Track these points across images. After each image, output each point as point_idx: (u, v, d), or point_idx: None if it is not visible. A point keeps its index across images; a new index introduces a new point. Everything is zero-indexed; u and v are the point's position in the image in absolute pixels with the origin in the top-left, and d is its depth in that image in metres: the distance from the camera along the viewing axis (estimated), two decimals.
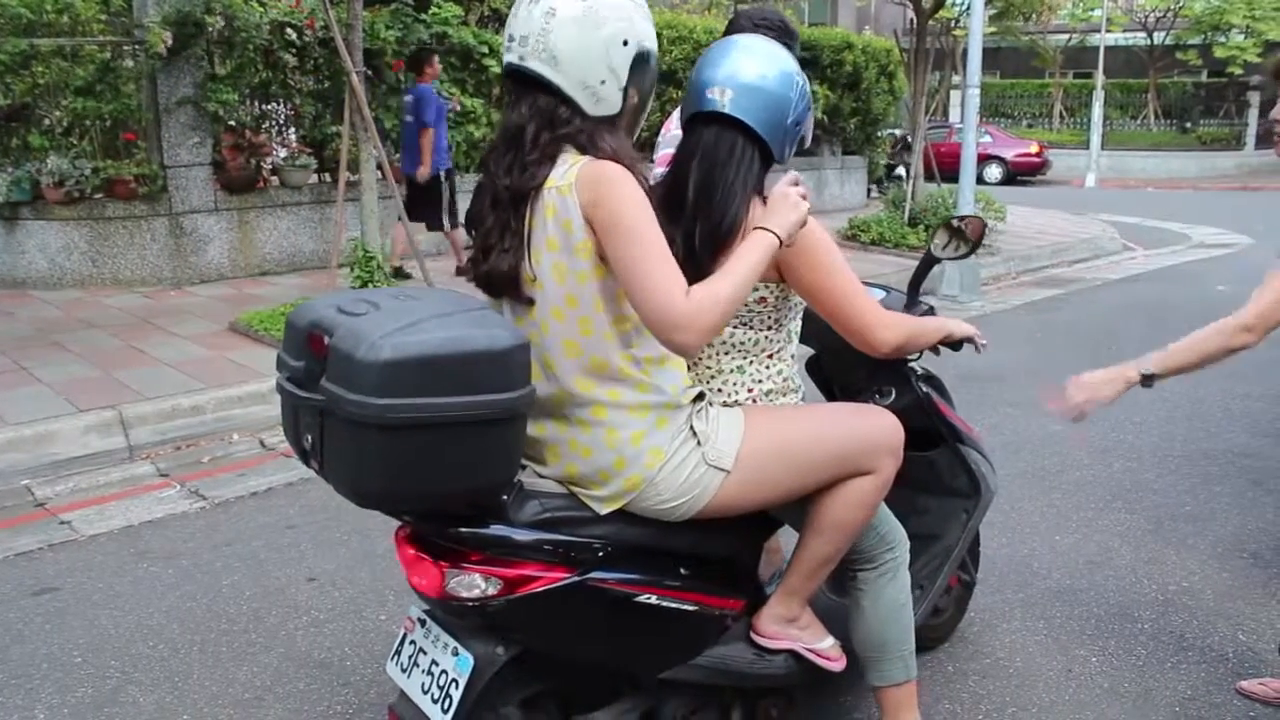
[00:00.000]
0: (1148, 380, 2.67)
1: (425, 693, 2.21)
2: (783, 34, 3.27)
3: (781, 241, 2.16)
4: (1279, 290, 2.56)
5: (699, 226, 2.27)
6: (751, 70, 2.31)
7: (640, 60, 2.13)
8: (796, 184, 2.24)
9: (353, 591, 3.79)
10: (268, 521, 4.46)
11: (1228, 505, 4.56)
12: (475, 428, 1.91)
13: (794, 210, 2.18)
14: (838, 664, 2.57)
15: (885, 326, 2.36)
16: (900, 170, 16.43)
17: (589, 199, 2.03)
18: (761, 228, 2.16)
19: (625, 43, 2.08)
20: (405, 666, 2.30)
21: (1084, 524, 4.36)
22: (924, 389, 2.93)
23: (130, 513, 4.57)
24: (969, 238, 2.98)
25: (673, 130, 3.45)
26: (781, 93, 2.33)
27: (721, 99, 2.30)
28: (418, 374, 1.84)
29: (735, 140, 2.31)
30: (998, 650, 3.36)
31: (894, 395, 2.92)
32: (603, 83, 2.09)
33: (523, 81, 2.12)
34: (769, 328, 2.41)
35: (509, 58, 2.13)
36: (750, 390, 2.43)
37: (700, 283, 2.04)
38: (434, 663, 2.23)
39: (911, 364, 2.96)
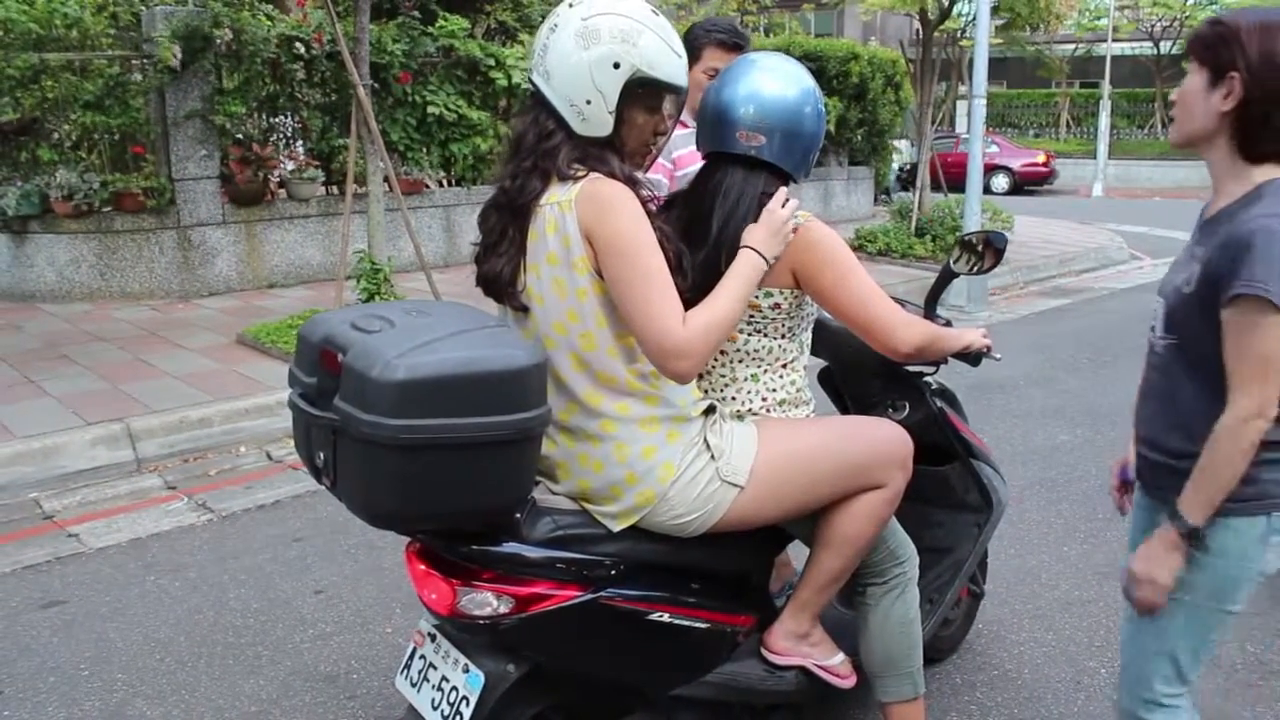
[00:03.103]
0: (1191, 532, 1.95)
1: (435, 708, 2.20)
2: (737, 39, 3.28)
3: (768, 261, 2.18)
4: (1262, 352, 1.83)
5: (724, 257, 2.26)
6: (784, 111, 2.32)
7: (642, 85, 2.09)
8: (786, 202, 2.26)
9: (360, 604, 3.79)
10: (275, 534, 4.46)
11: None
12: (491, 448, 1.89)
13: (780, 231, 2.22)
14: (848, 681, 2.56)
15: (906, 325, 2.32)
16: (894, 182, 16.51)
17: (589, 216, 2.04)
18: (748, 246, 2.18)
19: (616, 65, 2.05)
20: (415, 681, 2.30)
21: (1092, 534, 4.35)
22: (938, 404, 2.91)
23: (138, 525, 4.58)
24: (985, 252, 2.92)
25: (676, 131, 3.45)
26: (813, 129, 2.36)
27: (753, 143, 2.32)
28: (433, 395, 1.81)
29: (763, 179, 2.34)
30: (1005, 661, 3.35)
31: (908, 409, 2.90)
32: (588, 103, 2.07)
33: (535, 93, 2.15)
34: (783, 335, 2.41)
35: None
36: (764, 399, 2.42)
37: (695, 308, 2.06)
38: (444, 679, 2.22)
39: (926, 378, 2.95)
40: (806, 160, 2.40)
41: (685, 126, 3.40)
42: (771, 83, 2.33)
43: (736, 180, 2.34)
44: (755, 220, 2.28)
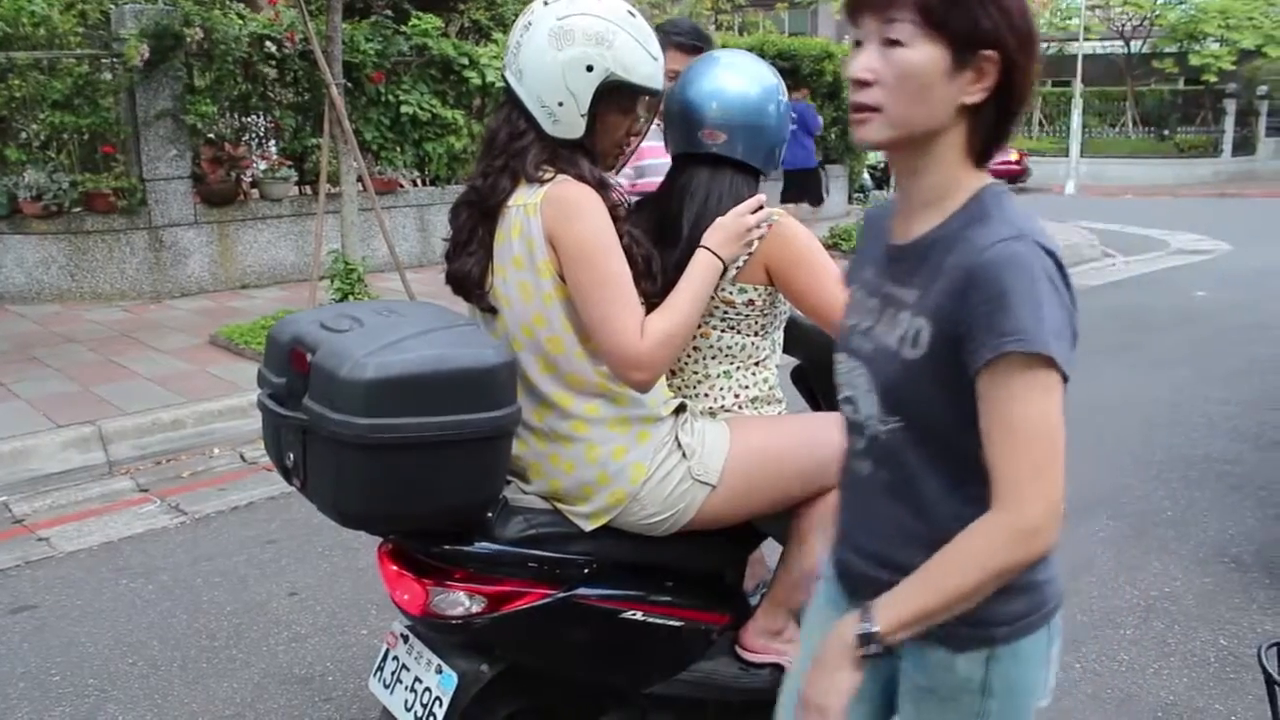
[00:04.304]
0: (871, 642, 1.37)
1: (409, 710, 2.19)
2: (697, 41, 3.29)
3: (725, 263, 2.18)
4: (1040, 428, 1.31)
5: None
6: (744, 106, 2.32)
7: (617, 88, 2.06)
8: (760, 207, 2.24)
9: (334, 606, 3.77)
10: (248, 536, 4.43)
11: (1208, 510, 4.58)
12: (461, 447, 1.89)
13: (741, 236, 2.21)
14: None
15: None
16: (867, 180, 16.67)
17: (553, 220, 2.03)
18: (704, 247, 2.18)
19: (590, 68, 2.02)
20: (388, 683, 2.29)
21: (1065, 530, 4.34)
22: None
23: (109, 529, 4.53)
24: None
25: None
26: (776, 124, 2.36)
27: (716, 142, 2.31)
28: (402, 393, 1.81)
29: (729, 177, 2.34)
30: None
31: None
32: (560, 104, 2.05)
33: (508, 91, 2.14)
34: (756, 333, 2.40)
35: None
36: (737, 396, 2.42)
37: (652, 315, 2.06)
38: (417, 680, 2.21)
39: None
40: (772, 156, 2.39)
41: None
42: (733, 79, 2.33)
43: (703, 180, 2.33)
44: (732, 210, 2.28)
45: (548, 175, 2.07)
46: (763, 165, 2.36)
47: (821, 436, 2.41)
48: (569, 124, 2.08)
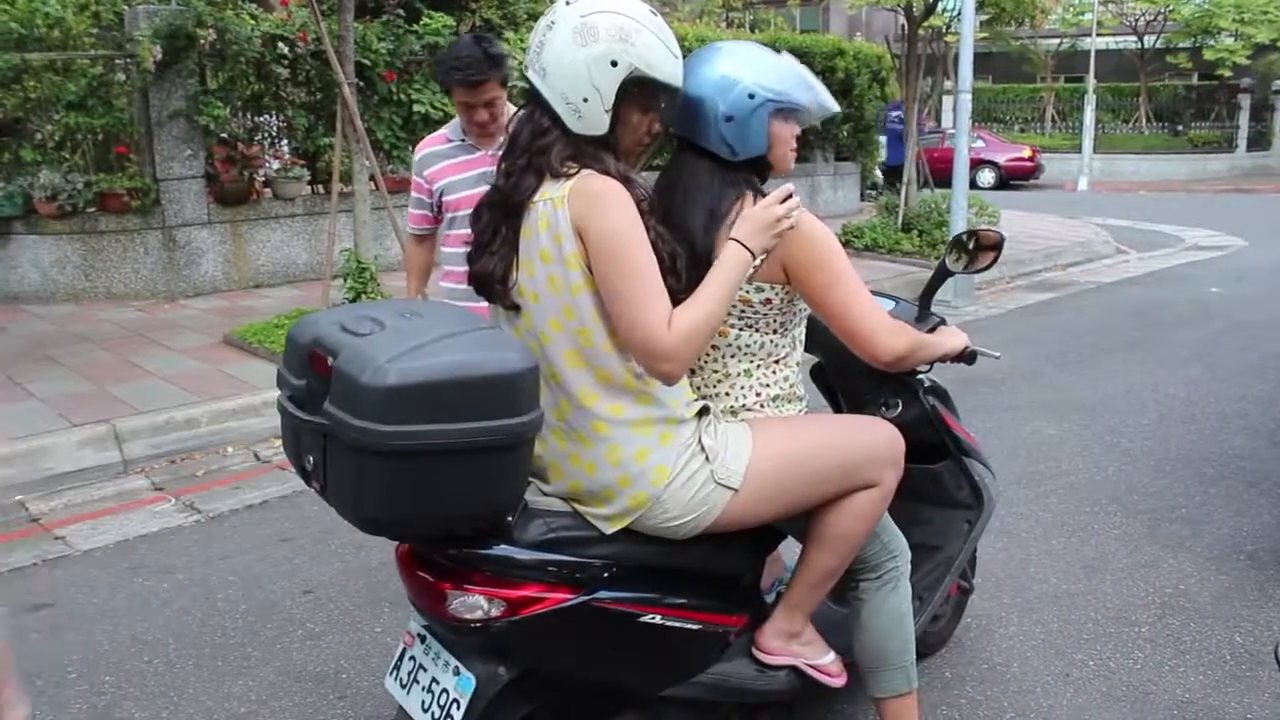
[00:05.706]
0: None
1: (425, 710, 2.19)
2: (479, 72, 3.41)
3: (754, 255, 2.17)
4: None
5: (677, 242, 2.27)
6: (686, 74, 2.27)
7: (639, 84, 2.07)
8: (789, 196, 2.23)
9: (348, 604, 3.78)
10: (263, 534, 4.44)
11: (1223, 507, 4.56)
12: (484, 454, 1.88)
13: (770, 227, 2.19)
14: (839, 680, 2.56)
15: (889, 333, 2.32)
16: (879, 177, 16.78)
17: (580, 212, 2.04)
18: (734, 239, 2.17)
19: (614, 63, 2.04)
20: (404, 682, 2.29)
21: (1080, 528, 4.36)
22: (931, 401, 2.91)
23: (125, 527, 4.55)
24: (980, 251, 2.92)
25: (427, 148, 3.72)
26: (698, 92, 2.25)
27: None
28: (425, 400, 1.79)
29: (681, 159, 2.35)
30: (995, 655, 3.36)
31: (900, 407, 2.91)
32: (585, 100, 2.06)
33: (530, 90, 2.15)
34: (774, 331, 2.40)
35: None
36: (758, 395, 2.42)
37: (679, 308, 2.06)
38: (434, 681, 2.21)
39: (919, 375, 2.95)
40: (713, 126, 2.27)
41: (449, 141, 3.66)
42: (697, 55, 2.33)
43: (674, 165, 2.38)
44: (694, 194, 2.29)
45: (573, 170, 2.08)
46: (702, 138, 2.29)
47: (843, 439, 2.41)
48: (593, 120, 2.09)
